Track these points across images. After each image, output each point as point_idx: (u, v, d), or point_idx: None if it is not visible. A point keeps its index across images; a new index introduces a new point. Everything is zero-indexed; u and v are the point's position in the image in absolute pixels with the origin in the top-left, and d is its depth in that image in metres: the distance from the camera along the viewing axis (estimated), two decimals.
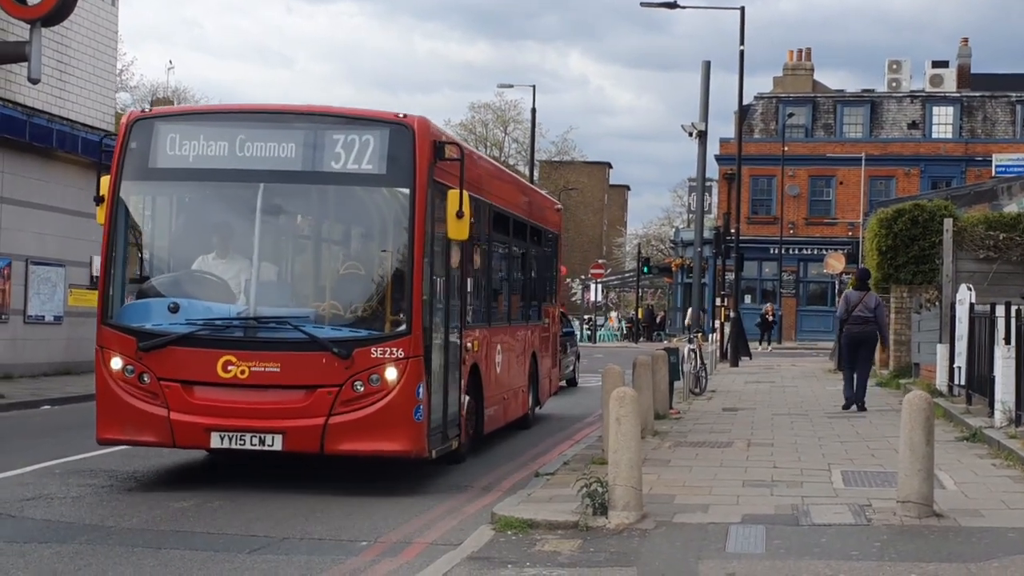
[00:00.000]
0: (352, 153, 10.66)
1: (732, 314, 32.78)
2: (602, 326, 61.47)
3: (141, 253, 11.30)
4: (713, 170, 58.44)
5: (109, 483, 11.12)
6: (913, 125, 57.76)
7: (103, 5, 25.32)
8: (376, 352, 10.42)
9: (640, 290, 65.81)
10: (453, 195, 10.84)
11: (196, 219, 11.68)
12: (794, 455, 12.42)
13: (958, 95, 57.88)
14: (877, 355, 26.51)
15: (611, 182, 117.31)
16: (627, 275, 75.75)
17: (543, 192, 21.13)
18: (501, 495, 10.54)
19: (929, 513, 8.75)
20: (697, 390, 20.53)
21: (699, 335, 22.52)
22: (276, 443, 10.44)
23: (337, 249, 11.96)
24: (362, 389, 10.41)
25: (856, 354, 17.52)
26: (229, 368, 10.44)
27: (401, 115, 10.80)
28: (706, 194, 58.80)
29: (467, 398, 12.33)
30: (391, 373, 10.40)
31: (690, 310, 55.20)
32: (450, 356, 11.61)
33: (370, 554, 8.35)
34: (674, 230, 71.33)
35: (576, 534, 8.45)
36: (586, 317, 61.70)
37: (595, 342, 54.43)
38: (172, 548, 8.36)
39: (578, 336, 51.25)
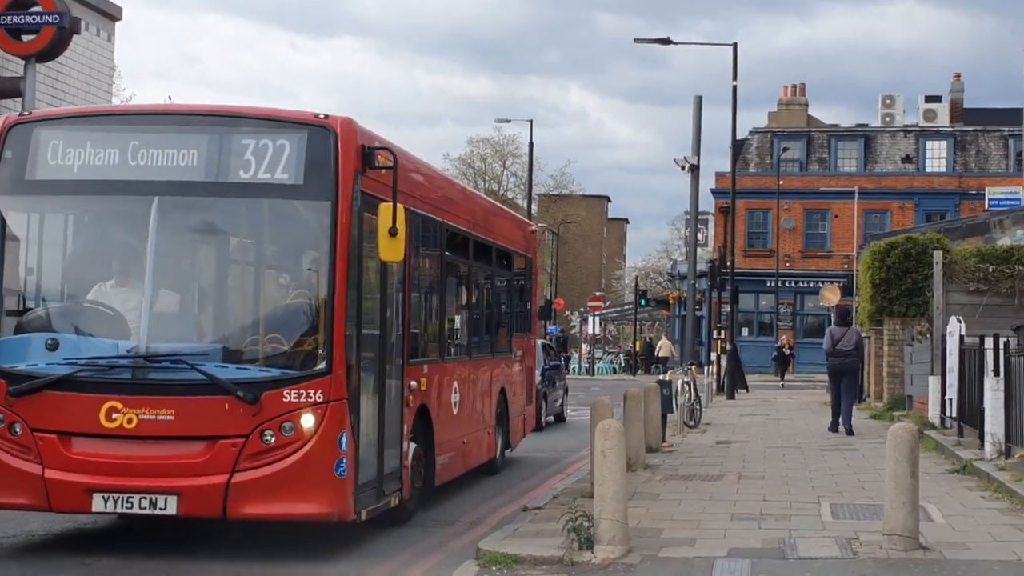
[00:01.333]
0: (264, 160, 9.20)
1: (728, 347, 32.77)
2: (600, 359, 61.37)
3: (19, 280, 9.68)
4: (710, 203, 58.66)
5: None
6: (907, 159, 57.97)
7: (99, 40, 25.51)
8: (289, 396, 8.89)
9: (638, 323, 65.81)
10: (385, 209, 9.25)
11: (82, 239, 10.11)
12: (784, 488, 12.41)
13: (951, 129, 58.12)
14: (872, 387, 26.61)
15: (610, 215, 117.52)
16: (626, 308, 75.77)
17: (514, 213, 19.19)
18: (488, 529, 10.51)
19: (915, 546, 8.74)
20: (691, 423, 20.50)
21: (693, 367, 22.54)
22: (170, 506, 8.89)
23: (245, 274, 10.25)
24: (273, 440, 8.87)
25: (840, 383, 19.44)
26: (114, 416, 8.91)
27: (321, 115, 9.34)
28: (703, 227, 59.29)
29: (413, 446, 10.73)
30: (307, 421, 8.87)
31: (662, 342, 55.46)
32: (388, 397, 10.06)
33: None
34: (672, 263, 71.43)
35: (561, 569, 8.44)
36: (585, 348, 61.60)
37: (593, 375, 54.38)
38: None
39: (575, 368, 51.31)
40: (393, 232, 9.24)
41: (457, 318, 13.23)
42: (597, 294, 69.94)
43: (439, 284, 12.12)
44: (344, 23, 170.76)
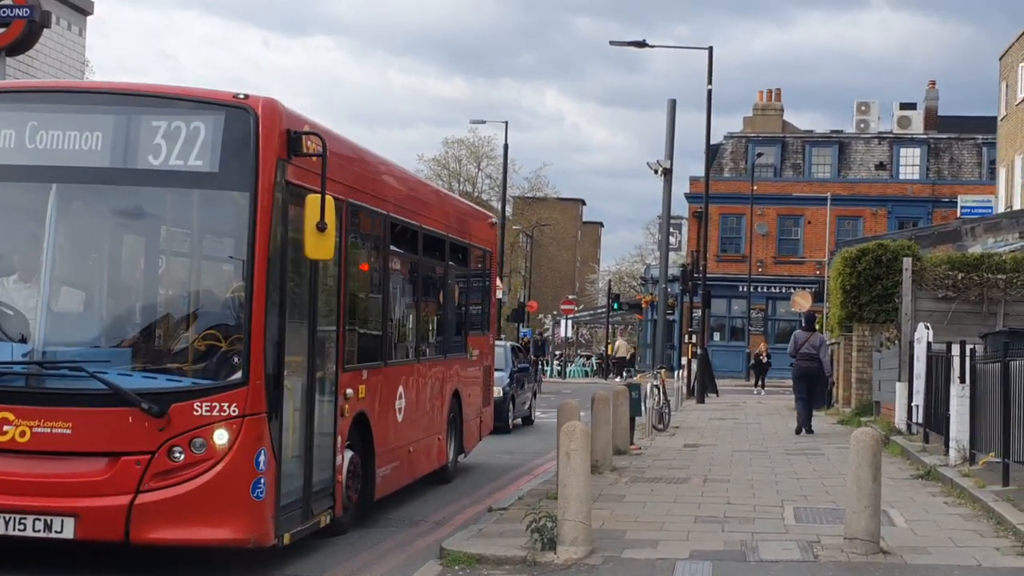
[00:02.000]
0: (176, 145, 8.33)
1: (699, 351, 32.85)
2: (572, 362, 61.44)
3: None
4: (684, 208, 58.84)
5: None
6: (881, 166, 58.32)
7: (70, 35, 25.37)
8: (201, 409, 8.06)
9: (611, 326, 65.93)
10: (312, 202, 8.39)
11: None
12: (749, 491, 12.44)
13: (925, 137, 58.52)
14: (840, 393, 26.75)
15: (584, 219, 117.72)
16: (598, 311, 75.86)
17: (473, 205, 17.96)
18: (453, 529, 10.51)
19: (876, 550, 8.78)
20: (660, 426, 20.53)
21: (663, 371, 22.58)
22: (66, 529, 8.03)
23: (155, 271, 9.22)
24: (182, 458, 8.04)
25: (805, 385, 20.45)
26: (5, 429, 8.10)
27: (241, 95, 8.45)
28: (676, 232, 59.43)
29: (348, 456, 10.01)
30: (221, 436, 8.04)
31: (619, 342, 55.55)
32: (318, 408, 9.23)
33: None
34: (645, 267, 71.58)
35: (524, 569, 8.44)
36: (557, 352, 61.67)
37: (565, 378, 54.44)
38: None
39: (548, 371, 51.33)
40: (321, 227, 8.35)
41: (403, 319, 12.40)
42: (570, 297, 70.03)
43: (382, 282, 11.25)
44: (319, 22, 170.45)
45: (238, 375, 8.16)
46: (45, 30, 19.40)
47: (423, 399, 12.69)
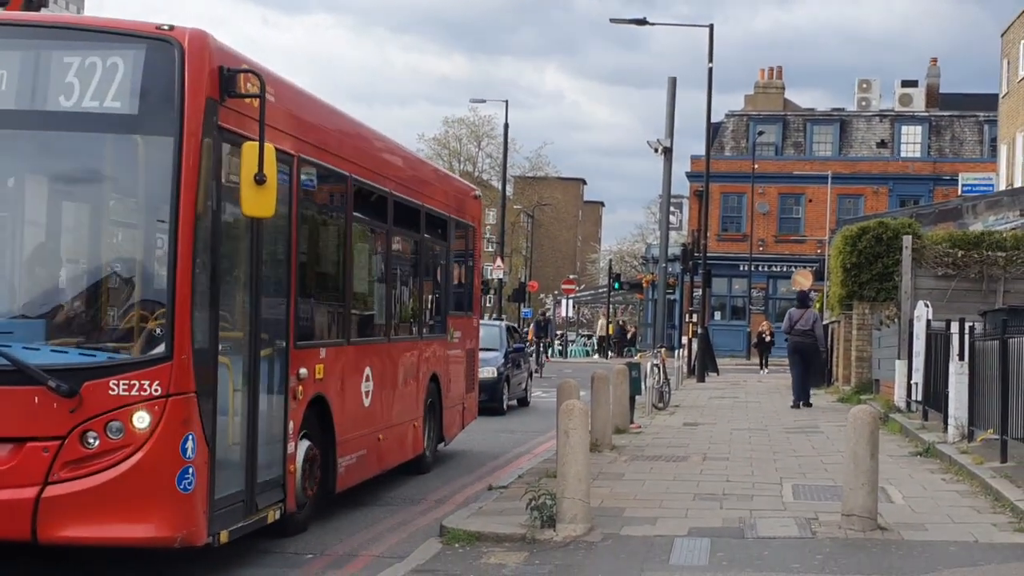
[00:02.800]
0: (91, 84, 7.34)
1: (700, 330, 32.89)
2: (573, 342, 61.52)
3: None
4: (685, 187, 58.79)
5: None
6: (882, 144, 58.23)
7: (68, 13, 25.33)
8: (118, 387, 7.11)
9: (612, 306, 65.96)
10: (249, 150, 7.42)
11: None
12: (748, 469, 12.49)
13: (927, 114, 58.40)
14: (840, 371, 26.82)
15: (585, 198, 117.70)
16: (599, 291, 75.91)
17: (454, 175, 16.88)
18: (454, 508, 10.56)
19: (873, 526, 8.82)
20: (660, 405, 20.58)
21: (663, 350, 22.63)
22: None
23: (67, 228, 8.14)
24: (96, 444, 7.09)
25: (800, 360, 21.26)
26: None
27: (165, 26, 7.42)
28: (677, 211, 59.31)
29: (304, 445, 9.09)
30: (141, 419, 7.10)
31: (600, 321, 55.45)
32: (265, 389, 8.34)
33: (315, 566, 8.36)
34: (646, 246, 71.58)
35: (523, 546, 8.48)
36: (558, 332, 61.77)
37: (566, 357, 54.52)
38: None
39: (550, 352, 51.36)
40: (259, 179, 7.36)
41: (370, 294, 11.37)
42: (571, 277, 70.06)
43: (344, 252, 10.20)
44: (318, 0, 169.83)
45: (161, 349, 7.18)
46: (43, 9, 19.36)
47: (395, 382, 11.78)
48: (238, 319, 8.04)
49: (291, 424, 8.75)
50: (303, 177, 9.00)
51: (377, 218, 11.39)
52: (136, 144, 7.54)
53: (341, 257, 10.22)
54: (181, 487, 7.18)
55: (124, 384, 7.13)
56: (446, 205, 13.79)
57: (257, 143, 7.46)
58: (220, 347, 7.61)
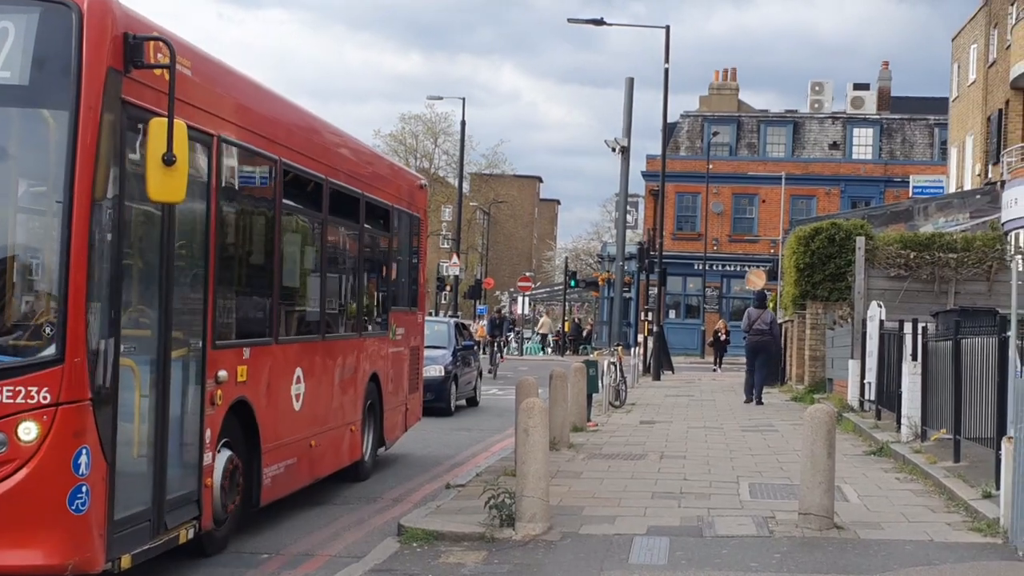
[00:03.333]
0: None
1: (655, 328, 33.02)
2: (529, 339, 61.60)
3: None
4: (641, 186, 59.02)
5: None
6: (834, 146, 58.77)
7: None
8: (1, 394, 6.37)
9: (568, 304, 66.11)
10: (157, 127, 6.62)
11: None
12: (705, 467, 12.55)
13: (878, 117, 59.00)
14: (793, 370, 27.05)
15: (542, 196, 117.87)
16: (555, 288, 76.06)
17: (398, 164, 15.68)
18: (411, 507, 10.52)
19: (830, 525, 8.89)
20: (617, 403, 20.65)
21: (619, 348, 22.70)
22: None
23: None
24: None
25: (755, 359, 21.84)
26: None
27: None
28: (633, 210, 59.57)
29: (225, 455, 8.33)
30: (27, 431, 6.34)
31: (543, 319, 55.54)
32: (177, 394, 7.56)
33: (270, 567, 8.29)
34: (602, 245, 71.81)
35: (482, 545, 8.45)
36: (516, 329, 61.79)
37: (522, 354, 54.57)
38: None
39: (506, 350, 51.37)
40: (168, 160, 6.57)
41: (301, 288, 10.52)
42: (527, 274, 70.11)
43: (271, 242, 9.38)
44: None
45: (50, 351, 6.38)
46: None
47: (330, 384, 10.97)
48: (146, 316, 7.24)
49: (208, 432, 7.98)
50: (224, 159, 8.24)
51: (311, 206, 10.57)
52: (28, 119, 6.72)
53: (268, 248, 9.37)
54: (73, 507, 6.38)
55: (7, 391, 6.34)
56: (389, 194, 13.02)
57: (166, 119, 6.65)
58: (123, 348, 6.79)
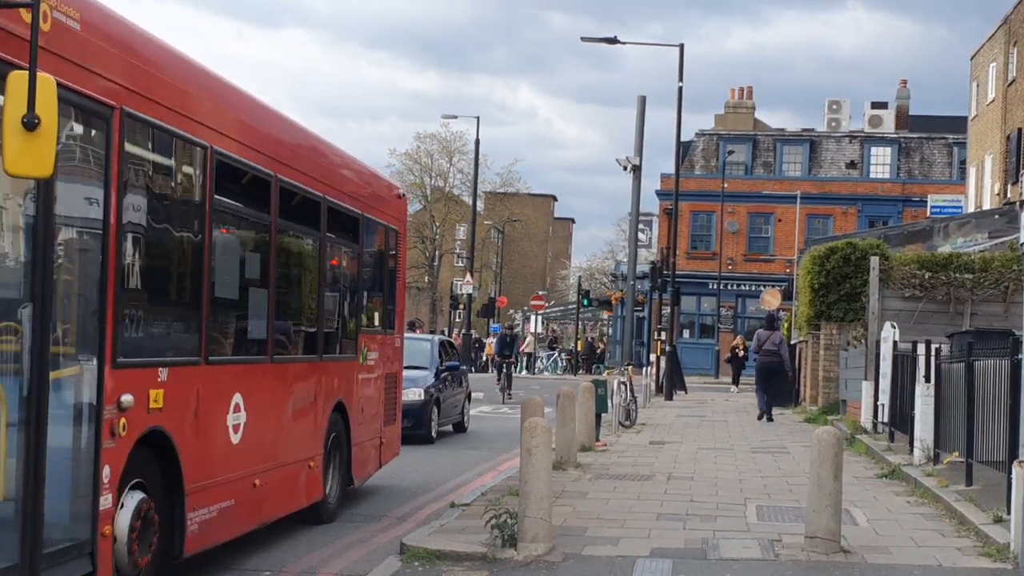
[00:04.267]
0: None
1: (668, 348, 32.88)
2: (540, 358, 61.45)
3: None
4: (655, 205, 58.96)
5: None
6: (851, 165, 58.59)
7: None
8: None
9: (581, 323, 65.95)
10: (17, 82, 5.25)
11: None
12: (712, 489, 12.40)
13: (896, 136, 58.82)
14: (807, 392, 26.86)
15: (556, 215, 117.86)
16: (569, 307, 75.93)
17: (370, 168, 13.00)
18: (415, 525, 10.41)
19: (836, 549, 8.74)
20: (627, 423, 20.51)
21: (630, 367, 22.55)
22: None
23: None
24: None
25: (766, 378, 23.33)
26: None
27: None
28: (647, 228, 59.48)
29: (137, 497, 6.85)
30: None
31: (528, 337, 55.07)
32: (64, 420, 6.17)
33: None
34: (615, 263, 71.69)
35: (483, 565, 8.34)
36: (528, 352, 61.63)
37: (534, 373, 54.42)
38: None
39: (515, 368, 51.21)
40: (30, 123, 5.19)
41: (242, 299, 8.87)
42: (540, 293, 70.02)
43: (199, 243, 7.85)
44: (292, 14, 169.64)
45: None
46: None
47: (280, 413, 9.48)
48: (15, 327, 5.76)
49: (107, 470, 6.43)
50: (130, 136, 6.79)
51: (255, 206, 9.04)
52: None
53: (195, 250, 7.81)
54: None
55: None
56: (360, 202, 11.47)
57: (28, 72, 5.24)
58: None
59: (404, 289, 13.65)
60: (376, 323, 12.54)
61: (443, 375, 19.83)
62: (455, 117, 54.25)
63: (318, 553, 9.30)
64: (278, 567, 8.69)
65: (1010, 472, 9.04)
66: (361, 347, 11.69)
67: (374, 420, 12.26)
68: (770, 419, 22.79)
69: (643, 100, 22.80)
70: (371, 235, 12.16)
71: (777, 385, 24.08)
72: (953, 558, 8.74)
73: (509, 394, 30.22)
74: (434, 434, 18.80)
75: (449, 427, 20.55)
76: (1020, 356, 9.85)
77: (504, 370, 31.19)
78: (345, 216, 11.17)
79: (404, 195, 13.80)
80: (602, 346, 60.22)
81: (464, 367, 22.34)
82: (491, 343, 46.55)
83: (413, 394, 17.78)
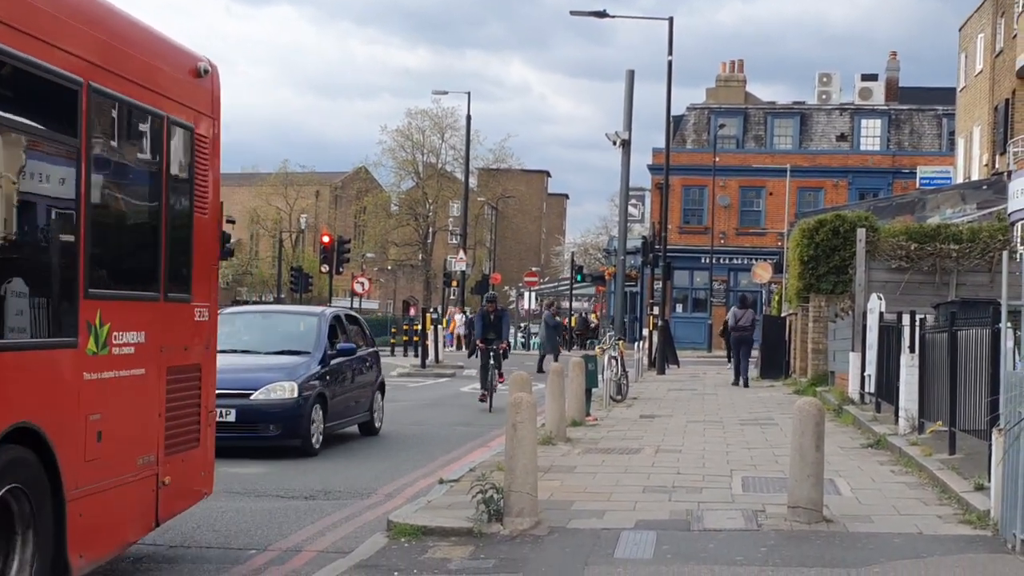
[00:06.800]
0: None
1: (660, 322, 32.97)
2: (535, 334, 61.64)
3: None
4: (647, 179, 58.96)
5: None
6: (842, 137, 58.61)
7: None
8: None
9: (573, 298, 66.07)
10: None
11: None
12: (700, 461, 12.51)
13: (886, 108, 58.82)
14: (797, 363, 27.05)
15: (550, 190, 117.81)
16: (562, 283, 76.05)
17: (165, 35, 7.95)
18: (403, 501, 10.50)
19: (819, 518, 8.85)
20: (618, 397, 20.61)
21: (621, 342, 22.65)
22: None
23: None
24: None
25: (740, 349, 26.26)
26: None
27: None
28: (639, 203, 59.53)
29: None
30: None
31: (458, 316, 54.51)
32: None
33: (257, 562, 8.27)
34: (608, 238, 71.76)
35: (469, 540, 8.43)
36: (522, 324, 61.77)
37: (528, 350, 54.56)
38: None
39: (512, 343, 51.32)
40: None
41: None
42: (534, 269, 70.18)
43: None
44: None
45: None
46: None
47: None
48: None
49: None
50: None
51: None
52: None
53: None
54: None
55: None
56: (119, 78, 6.95)
57: None
58: None
59: (217, 229, 8.62)
60: (139, 283, 7.55)
61: (334, 363, 14.97)
62: (446, 93, 54.09)
63: (305, 530, 9.37)
64: (264, 545, 8.77)
65: (991, 440, 9.14)
66: (100, 324, 6.77)
67: (133, 451, 7.29)
68: (746, 384, 25.21)
69: (631, 74, 22.82)
70: (131, 130, 7.40)
71: (749, 354, 26.77)
72: (934, 526, 8.85)
73: (490, 405, 20.29)
74: (315, 443, 14.00)
75: (354, 428, 16.09)
76: (1000, 325, 9.95)
77: (491, 361, 20.82)
78: (60, 89, 6.30)
79: (209, 70, 8.44)
80: (596, 321, 60.37)
81: (373, 349, 16.95)
82: (458, 319, 45.23)
83: (280, 391, 13.69)
